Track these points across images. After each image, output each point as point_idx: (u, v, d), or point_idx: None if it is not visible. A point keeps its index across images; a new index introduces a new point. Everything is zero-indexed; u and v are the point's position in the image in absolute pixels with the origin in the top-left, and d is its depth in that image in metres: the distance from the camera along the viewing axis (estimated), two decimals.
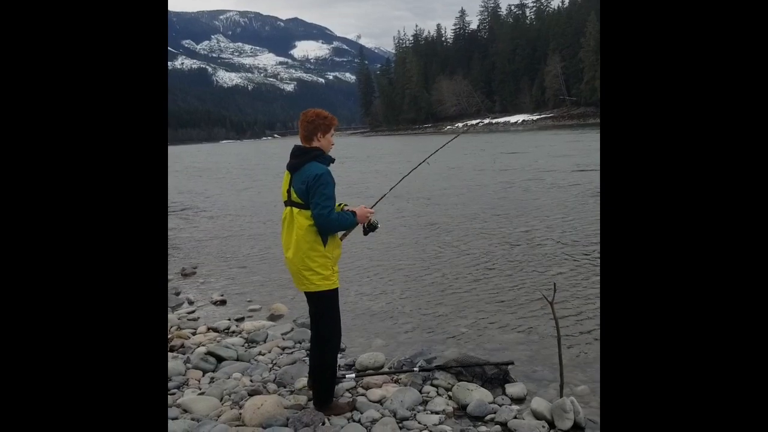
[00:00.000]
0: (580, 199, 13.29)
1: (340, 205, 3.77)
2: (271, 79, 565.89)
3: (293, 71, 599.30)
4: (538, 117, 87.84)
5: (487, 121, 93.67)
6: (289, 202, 3.67)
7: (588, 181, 16.23)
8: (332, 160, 3.76)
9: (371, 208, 3.91)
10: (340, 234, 3.82)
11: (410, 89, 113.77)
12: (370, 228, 3.92)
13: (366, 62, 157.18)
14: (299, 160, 3.67)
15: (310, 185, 3.54)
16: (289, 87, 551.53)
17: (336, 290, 3.76)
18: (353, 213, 3.73)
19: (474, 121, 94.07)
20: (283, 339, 5.49)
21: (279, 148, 63.52)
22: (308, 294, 3.76)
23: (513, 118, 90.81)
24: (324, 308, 3.76)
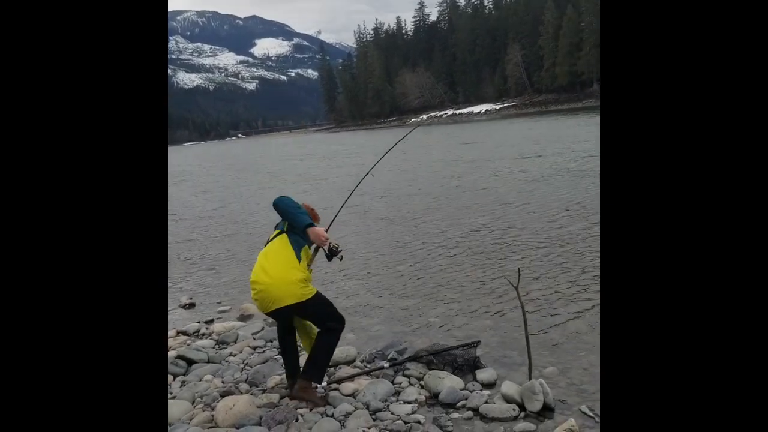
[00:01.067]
0: (535, 185, 13.47)
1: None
2: (233, 79, 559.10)
3: (254, 70, 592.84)
4: (501, 106, 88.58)
5: (450, 112, 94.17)
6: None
7: (545, 167, 16.45)
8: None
9: (326, 231, 4.01)
10: (313, 262, 4.07)
11: (373, 83, 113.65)
12: (332, 253, 4.02)
13: (327, 58, 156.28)
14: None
15: (277, 203, 3.93)
16: (251, 86, 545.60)
17: (317, 293, 3.94)
18: (310, 224, 3.85)
19: (438, 113, 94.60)
20: (254, 338, 5.47)
21: (242, 149, 62.96)
22: (298, 306, 3.84)
23: (476, 108, 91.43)
24: (316, 305, 3.91)
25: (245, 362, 4.93)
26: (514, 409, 3.70)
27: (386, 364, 4.47)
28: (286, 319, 4.08)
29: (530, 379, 3.95)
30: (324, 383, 4.15)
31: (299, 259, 3.89)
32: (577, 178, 13.83)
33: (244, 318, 6.35)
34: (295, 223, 3.87)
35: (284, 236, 3.96)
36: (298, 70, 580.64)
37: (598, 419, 3.54)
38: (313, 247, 4.11)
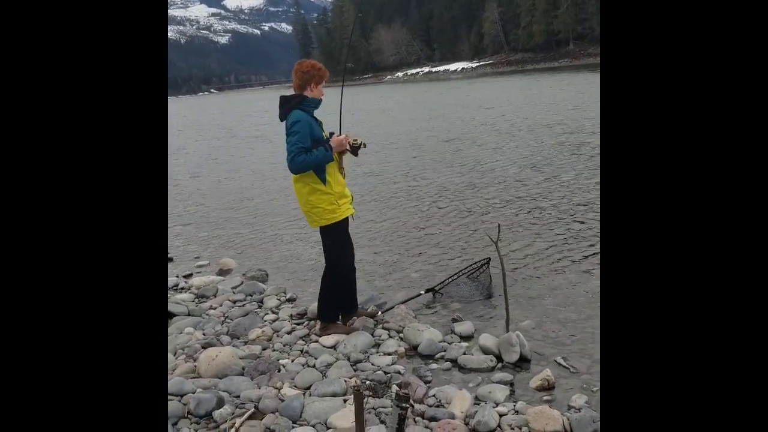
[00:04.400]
0: (512, 146, 13.52)
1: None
2: (204, 32, 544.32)
3: (227, 23, 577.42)
4: (477, 64, 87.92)
5: (427, 70, 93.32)
6: None
7: (521, 125, 16.49)
8: (318, 104, 4.09)
9: (339, 134, 4.15)
10: (339, 168, 4.19)
11: (348, 39, 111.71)
12: (355, 148, 4.21)
13: (302, 12, 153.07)
14: (283, 109, 4.04)
15: (286, 133, 3.92)
16: (224, 39, 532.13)
17: (343, 221, 4.16)
18: (327, 147, 3.99)
19: (414, 70, 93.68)
20: (234, 293, 5.49)
21: (216, 105, 61.74)
22: (319, 229, 4.20)
23: (452, 66, 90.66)
24: (331, 239, 4.19)
25: (225, 315, 4.95)
26: (491, 360, 3.80)
27: (422, 291, 5.01)
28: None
29: (507, 331, 4.04)
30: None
31: (323, 181, 4.02)
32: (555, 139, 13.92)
33: (222, 273, 6.35)
34: (323, 163, 3.99)
35: None
36: (272, 24, 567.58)
37: (572, 370, 3.66)
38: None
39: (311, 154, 3.91)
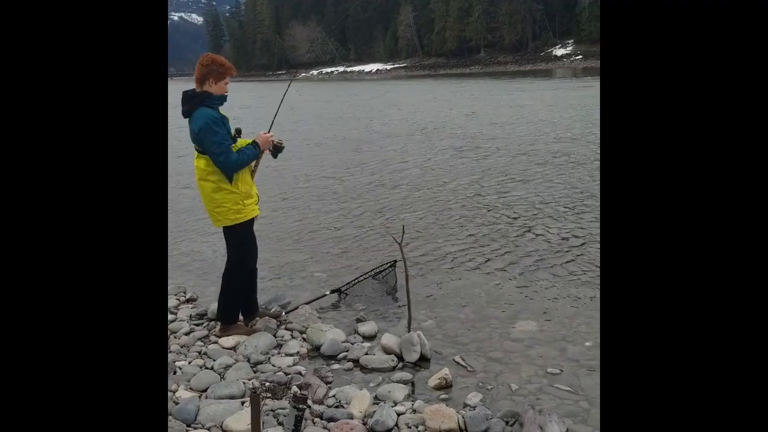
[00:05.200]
0: (425, 145, 13.77)
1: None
2: None
3: None
4: (392, 66, 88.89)
5: (342, 69, 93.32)
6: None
7: (430, 127, 16.82)
8: (223, 100, 3.96)
9: (268, 132, 4.14)
10: (252, 165, 4.09)
11: (262, 34, 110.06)
12: (277, 150, 4.18)
13: (214, 3, 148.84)
14: (188, 106, 3.88)
15: (199, 135, 3.76)
16: None
17: (248, 222, 4.06)
18: (254, 144, 3.97)
19: (329, 69, 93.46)
20: None
21: None
22: (223, 228, 4.08)
23: (367, 67, 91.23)
24: (236, 240, 4.10)
25: None
26: (392, 360, 3.84)
27: (327, 292, 5.00)
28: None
29: (409, 331, 4.11)
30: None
31: (230, 179, 3.89)
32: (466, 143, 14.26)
33: None
34: (254, 159, 4.00)
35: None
36: (182, 14, 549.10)
37: (470, 369, 3.76)
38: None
39: (242, 152, 3.87)
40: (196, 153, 3.92)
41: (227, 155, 3.76)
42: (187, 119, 3.92)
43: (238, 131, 4.02)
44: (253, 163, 4.09)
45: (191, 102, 3.88)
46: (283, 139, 4.25)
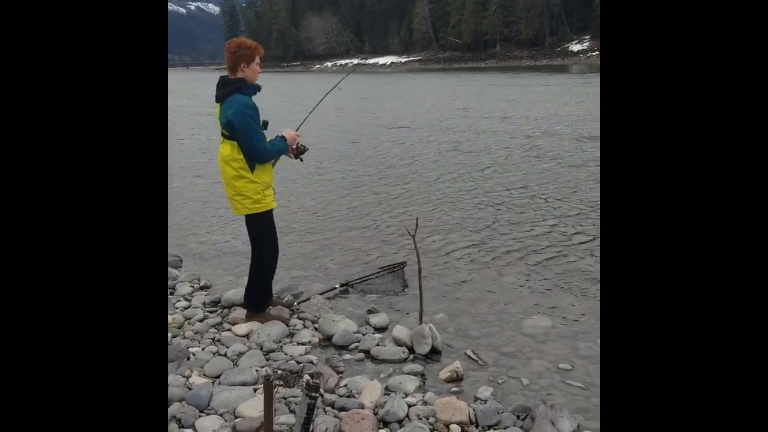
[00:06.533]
0: (439, 143, 13.74)
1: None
2: None
3: None
4: (407, 59, 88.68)
5: (356, 61, 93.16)
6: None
7: (445, 124, 16.78)
8: (257, 89, 3.98)
9: (296, 131, 4.21)
10: (274, 160, 4.10)
11: (278, 25, 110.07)
12: (300, 151, 4.21)
13: None
14: (223, 91, 3.91)
15: (233, 121, 3.77)
16: None
17: (268, 212, 4.09)
18: (282, 137, 4.04)
19: (343, 61, 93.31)
20: None
21: None
22: (245, 217, 4.13)
23: (382, 60, 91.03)
24: (258, 229, 4.14)
25: None
26: (403, 352, 3.85)
27: (337, 286, 5.00)
28: None
29: (421, 323, 4.12)
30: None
31: (252, 168, 3.91)
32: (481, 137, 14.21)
33: None
34: (281, 152, 4.06)
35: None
36: (199, 4, 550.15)
37: (481, 362, 3.76)
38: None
39: (274, 143, 3.95)
40: (222, 138, 3.94)
41: (262, 142, 3.83)
42: (219, 104, 3.97)
43: (265, 123, 4.02)
44: (273, 160, 4.13)
45: (226, 88, 3.91)
46: (306, 143, 4.30)
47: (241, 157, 3.87)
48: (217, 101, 3.99)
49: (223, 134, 3.93)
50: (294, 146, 4.17)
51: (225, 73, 3.99)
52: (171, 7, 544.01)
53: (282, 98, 27.56)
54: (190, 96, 32.12)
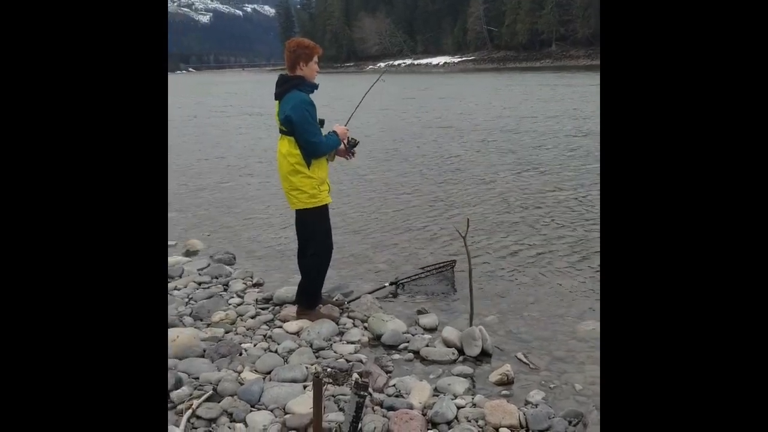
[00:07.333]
0: (496, 144, 13.60)
1: None
2: (185, 9, 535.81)
3: (209, 2, 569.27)
4: (460, 60, 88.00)
5: (409, 62, 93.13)
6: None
7: (506, 125, 16.59)
8: (315, 87, 4.08)
9: (345, 125, 4.29)
10: (329, 155, 4.17)
11: (332, 26, 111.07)
12: (351, 145, 4.28)
13: None
14: (282, 89, 4.02)
15: (291, 116, 3.86)
16: (205, 18, 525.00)
17: (323, 207, 4.16)
18: (334, 132, 4.11)
19: (396, 61, 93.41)
20: (200, 274, 5.43)
21: (187, 87, 60.89)
22: (297, 212, 4.21)
23: (435, 60, 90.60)
24: (312, 224, 4.19)
25: (190, 297, 4.90)
26: (453, 353, 3.82)
27: (387, 284, 5.00)
28: None
29: (471, 325, 4.08)
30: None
31: (308, 164, 4.01)
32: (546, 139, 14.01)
33: (189, 254, 6.28)
34: (335, 147, 4.15)
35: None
36: (255, 6, 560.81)
37: (532, 366, 3.70)
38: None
39: (329, 137, 4.04)
40: (281, 135, 4.04)
41: (317, 136, 3.93)
42: (277, 101, 4.07)
43: (321, 122, 4.07)
44: (329, 155, 4.18)
45: (285, 85, 4.02)
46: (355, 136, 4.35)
47: (298, 152, 3.95)
48: (276, 98, 4.09)
49: (281, 130, 4.03)
50: (345, 140, 4.21)
51: (280, 73, 4.07)
52: (227, 9, 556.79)
53: (327, 99, 27.83)
54: (242, 96, 32.67)
